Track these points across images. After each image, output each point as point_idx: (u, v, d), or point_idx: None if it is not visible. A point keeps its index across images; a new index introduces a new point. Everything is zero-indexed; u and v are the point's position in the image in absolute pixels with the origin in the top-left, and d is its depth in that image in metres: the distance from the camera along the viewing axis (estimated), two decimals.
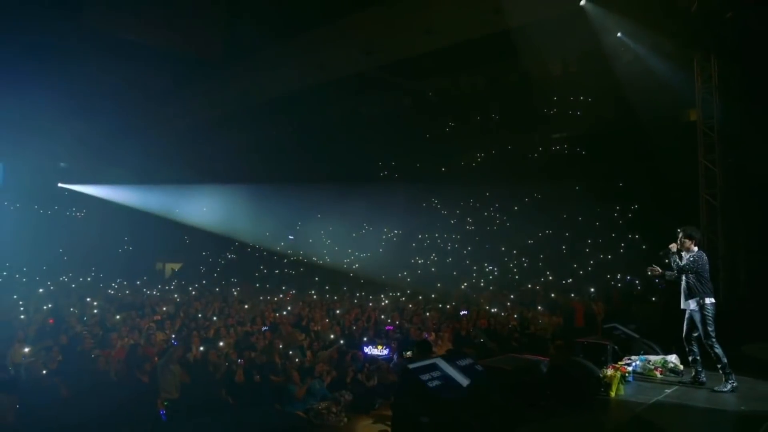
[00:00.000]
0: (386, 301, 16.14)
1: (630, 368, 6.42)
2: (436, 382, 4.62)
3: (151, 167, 23.67)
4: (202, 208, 25.75)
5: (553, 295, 15.55)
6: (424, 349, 6.78)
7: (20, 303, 13.88)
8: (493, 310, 13.79)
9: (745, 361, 7.34)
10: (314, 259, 24.39)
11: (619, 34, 12.56)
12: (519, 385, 5.34)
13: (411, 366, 4.82)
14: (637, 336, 7.55)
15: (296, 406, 8.19)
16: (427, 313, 12.94)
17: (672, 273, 6.57)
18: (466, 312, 13.14)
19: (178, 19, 16.32)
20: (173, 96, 21.60)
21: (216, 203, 25.28)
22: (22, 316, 12.06)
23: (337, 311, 13.74)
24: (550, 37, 16.07)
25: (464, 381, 4.72)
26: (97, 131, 21.65)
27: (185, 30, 17.15)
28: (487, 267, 20.96)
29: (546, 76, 20.24)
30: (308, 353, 9.96)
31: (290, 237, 26.40)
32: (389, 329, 11.40)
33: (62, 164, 24.17)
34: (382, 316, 12.84)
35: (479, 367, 5.26)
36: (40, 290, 16.67)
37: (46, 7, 14.59)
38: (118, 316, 12.21)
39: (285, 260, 25.33)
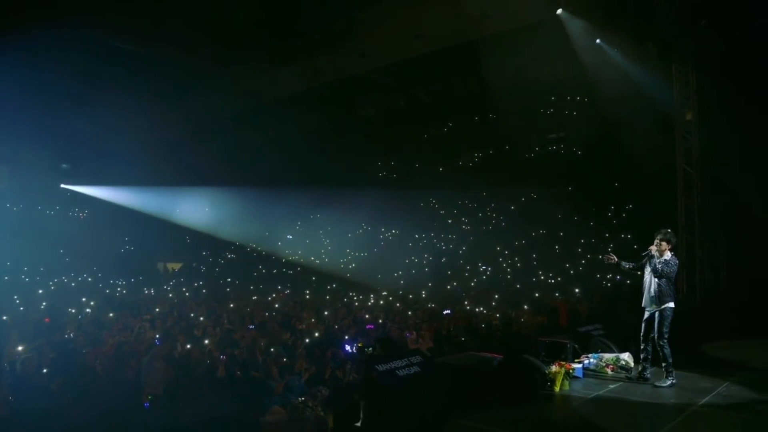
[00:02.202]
0: (373, 301, 16.47)
1: (578, 365, 6.76)
2: (382, 375, 5.00)
3: (153, 169, 24.12)
4: (204, 209, 26.19)
5: (537, 294, 15.85)
6: (385, 346, 7.11)
7: (18, 302, 14.34)
8: (478, 310, 14.09)
9: (700, 358, 7.67)
10: (312, 258, 24.78)
11: (597, 41, 12.82)
12: (467, 380, 5.69)
13: (363, 359, 5.19)
14: (596, 335, 7.87)
15: (275, 401, 8.58)
16: (409, 312, 13.26)
17: (627, 264, 6.98)
18: (449, 311, 13.45)
19: (173, 27, 16.72)
20: (174, 98, 21.99)
21: (216, 205, 25.73)
22: (19, 315, 12.51)
23: (325, 311, 14.06)
24: (541, 40, 16.32)
25: (408, 374, 5.09)
26: (98, 133, 22.15)
27: (182, 36, 17.62)
28: (481, 267, 21.28)
29: (535, 79, 20.58)
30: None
31: (289, 237, 26.82)
32: (370, 328, 11.73)
33: (64, 165, 24.68)
34: (367, 316, 13.17)
35: (429, 363, 5.61)
36: (40, 291, 17.11)
37: (45, 11, 15.00)
38: (111, 314, 12.63)
39: (282, 260, 25.74)
